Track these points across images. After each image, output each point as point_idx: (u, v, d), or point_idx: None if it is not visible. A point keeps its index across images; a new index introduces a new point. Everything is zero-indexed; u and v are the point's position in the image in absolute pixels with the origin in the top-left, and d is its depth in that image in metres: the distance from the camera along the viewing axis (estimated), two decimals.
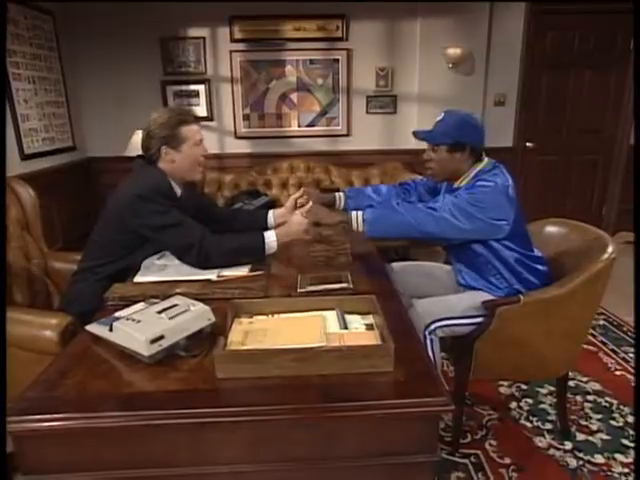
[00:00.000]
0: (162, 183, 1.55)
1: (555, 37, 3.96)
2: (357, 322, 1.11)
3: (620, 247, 4.45)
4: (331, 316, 1.12)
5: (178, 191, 1.64)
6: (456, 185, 1.70)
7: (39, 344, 1.45)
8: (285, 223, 1.67)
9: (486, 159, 1.69)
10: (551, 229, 1.98)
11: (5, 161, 2.14)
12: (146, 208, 1.47)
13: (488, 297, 1.64)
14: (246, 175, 3.81)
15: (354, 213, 1.60)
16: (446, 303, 1.69)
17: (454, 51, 3.75)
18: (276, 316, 1.14)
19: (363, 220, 1.58)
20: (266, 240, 1.57)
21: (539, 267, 1.69)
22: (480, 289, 1.70)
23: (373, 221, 1.57)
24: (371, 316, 1.14)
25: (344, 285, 1.32)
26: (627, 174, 4.23)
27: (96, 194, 3.90)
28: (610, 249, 1.60)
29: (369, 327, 1.08)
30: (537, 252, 1.73)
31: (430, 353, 1.64)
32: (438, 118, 1.68)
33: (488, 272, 1.68)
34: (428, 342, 1.64)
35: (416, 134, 1.72)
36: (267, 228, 1.77)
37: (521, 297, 1.54)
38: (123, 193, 1.53)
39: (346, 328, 1.07)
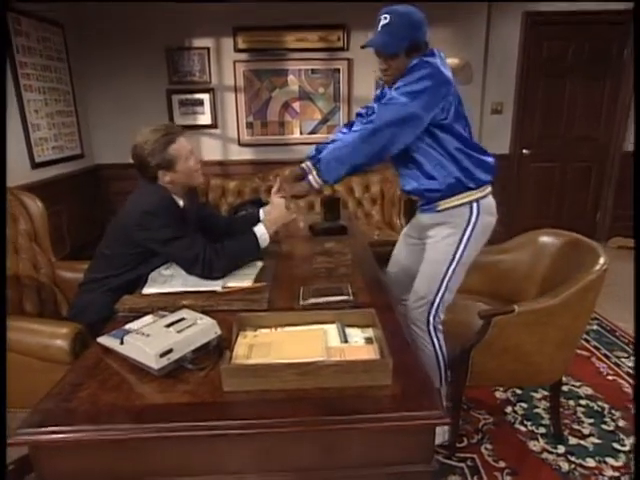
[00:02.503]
0: (165, 199, 1.58)
1: (551, 47, 3.98)
2: (357, 336, 1.13)
3: (614, 252, 4.47)
4: (332, 330, 1.15)
5: (180, 202, 1.67)
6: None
7: (50, 353, 1.47)
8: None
9: None
10: (545, 239, 2.01)
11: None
12: (153, 223, 1.50)
13: (443, 236, 1.66)
14: (249, 181, 3.84)
15: (310, 177, 1.59)
16: (426, 274, 1.72)
17: (452, 61, 3.76)
18: (280, 329, 1.17)
19: (318, 175, 1.57)
20: (257, 235, 1.63)
21: (480, 156, 1.64)
22: (421, 193, 1.70)
23: (326, 171, 1.54)
24: (371, 329, 1.16)
25: (345, 297, 1.34)
26: (620, 181, 4.25)
27: (104, 200, 3.95)
28: (602, 260, 1.62)
29: (368, 341, 1.11)
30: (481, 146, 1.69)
31: (437, 345, 1.74)
32: (383, 21, 1.50)
33: (428, 164, 1.62)
34: (434, 339, 1.74)
35: (369, 47, 1.55)
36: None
37: (515, 307, 1.56)
38: (130, 210, 1.56)
39: (346, 342, 1.10)
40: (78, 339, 1.48)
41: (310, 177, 1.60)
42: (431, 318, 1.72)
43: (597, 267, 1.60)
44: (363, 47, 1.56)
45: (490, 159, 1.67)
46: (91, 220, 3.76)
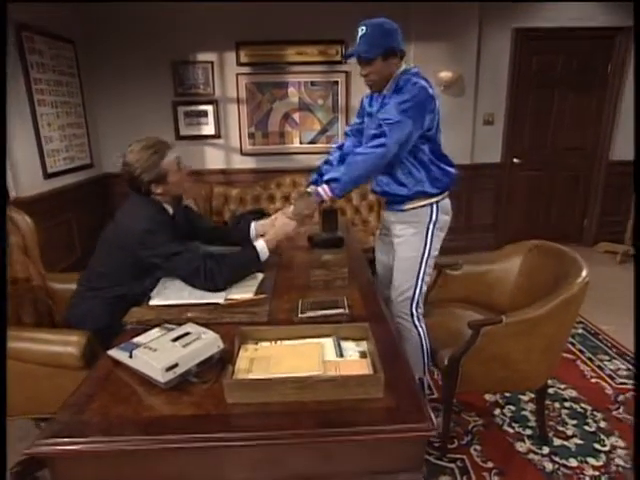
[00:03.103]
0: (159, 213, 1.61)
1: (539, 61, 4.01)
2: (352, 349, 1.16)
3: (600, 257, 4.49)
4: (328, 343, 1.17)
5: (170, 210, 1.71)
6: (385, 92, 1.74)
7: (62, 360, 1.50)
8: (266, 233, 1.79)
9: (404, 64, 1.74)
10: (532, 250, 2.04)
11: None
12: (155, 240, 1.53)
13: (410, 235, 1.81)
14: (251, 189, 3.87)
15: (320, 189, 1.68)
16: (402, 271, 1.84)
17: (446, 74, 3.80)
18: (279, 343, 1.20)
19: (331, 191, 1.66)
20: (258, 249, 1.66)
21: (446, 167, 1.79)
22: (389, 196, 1.84)
23: (342, 189, 1.66)
24: (365, 342, 1.19)
25: (340, 311, 1.37)
26: (606, 189, 4.29)
27: (111, 206, 3.96)
28: (584, 273, 1.64)
29: (362, 355, 1.13)
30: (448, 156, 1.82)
31: (421, 334, 1.85)
32: (360, 33, 1.66)
33: (400, 171, 1.76)
34: (419, 328, 1.85)
35: (350, 56, 1.72)
36: (249, 237, 1.89)
37: (503, 318, 1.59)
38: (128, 228, 1.57)
39: (342, 356, 1.12)
40: (88, 346, 1.51)
41: (320, 190, 1.69)
42: (413, 310, 1.85)
43: (579, 280, 1.62)
44: (347, 57, 1.75)
45: (454, 170, 1.82)
46: (100, 226, 3.75)
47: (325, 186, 1.68)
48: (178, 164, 1.63)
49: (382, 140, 1.61)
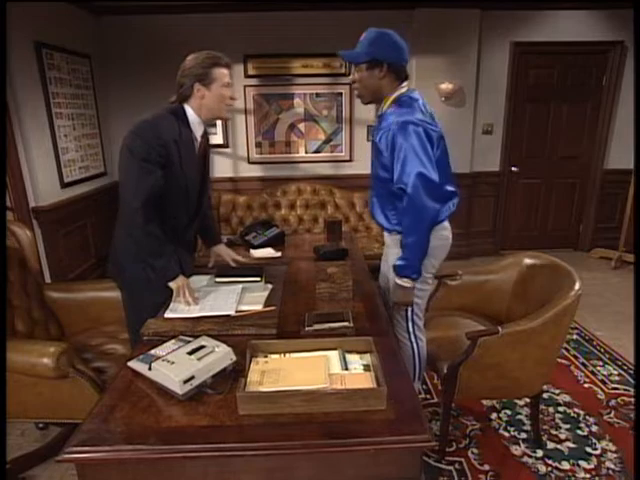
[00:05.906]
0: (176, 117, 1.54)
1: (536, 74, 4.05)
2: (356, 362, 1.20)
3: (595, 262, 4.50)
4: (334, 356, 1.22)
5: (200, 128, 1.63)
6: (380, 112, 1.66)
7: (37, 370, 1.53)
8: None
9: (405, 85, 1.62)
10: (529, 261, 2.08)
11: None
12: (133, 147, 1.46)
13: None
14: (258, 197, 3.92)
15: (400, 282, 1.65)
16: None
17: (446, 86, 3.84)
18: (288, 355, 1.24)
19: (410, 278, 1.62)
20: (173, 284, 1.58)
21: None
22: (375, 220, 1.81)
23: (417, 269, 1.61)
24: (368, 355, 1.23)
25: (345, 324, 1.41)
26: (601, 196, 4.31)
27: None
28: (577, 286, 1.69)
29: (366, 368, 1.18)
30: (450, 187, 1.68)
31: (415, 349, 1.82)
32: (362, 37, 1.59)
33: (386, 207, 1.71)
34: (414, 344, 1.82)
35: (341, 56, 1.65)
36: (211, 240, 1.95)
37: (499, 329, 1.63)
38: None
39: (347, 369, 1.17)
40: (64, 357, 1.54)
41: (402, 282, 1.65)
42: (410, 327, 1.81)
43: (572, 292, 1.67)
44: (339, 55, 1.64)
45: (449, 204, 1.70)
46: (112, 231, 3.85)
47: (402, 278, 1.64)
48: (229, 83, 1.57)
49: (419, 204, 1.53)
